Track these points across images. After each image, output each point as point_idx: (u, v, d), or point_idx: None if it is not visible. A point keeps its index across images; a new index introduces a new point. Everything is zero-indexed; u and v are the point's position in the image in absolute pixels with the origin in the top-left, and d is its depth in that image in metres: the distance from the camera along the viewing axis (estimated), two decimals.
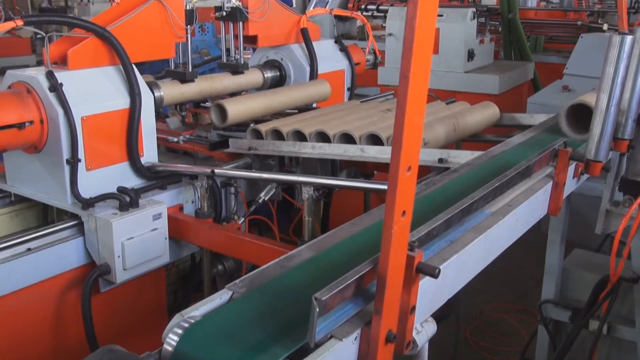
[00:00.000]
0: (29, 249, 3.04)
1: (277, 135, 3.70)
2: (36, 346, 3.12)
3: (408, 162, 1.32)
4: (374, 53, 5.49)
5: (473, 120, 3.81)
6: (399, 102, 1.27)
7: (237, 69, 4.36)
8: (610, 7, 8.94)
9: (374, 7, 8.87)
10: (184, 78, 3.97)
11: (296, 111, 4.38)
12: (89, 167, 3.25)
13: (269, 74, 4.67)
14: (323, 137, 3.56)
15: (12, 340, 3.02)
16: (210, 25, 8.44)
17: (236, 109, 3.89)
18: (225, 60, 4.43)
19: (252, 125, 3.83)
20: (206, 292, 3.72)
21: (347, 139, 3.52)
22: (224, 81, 4.27)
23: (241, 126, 4.05)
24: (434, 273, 1.48)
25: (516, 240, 2.34)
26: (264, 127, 3.73)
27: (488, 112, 4.01)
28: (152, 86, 3.68)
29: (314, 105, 4.61)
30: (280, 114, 4.35)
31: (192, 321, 1.47)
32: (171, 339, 1.43)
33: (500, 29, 8.50)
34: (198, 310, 1.53)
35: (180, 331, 1.44)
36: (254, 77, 4.54)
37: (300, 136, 3.62)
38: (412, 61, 1.24)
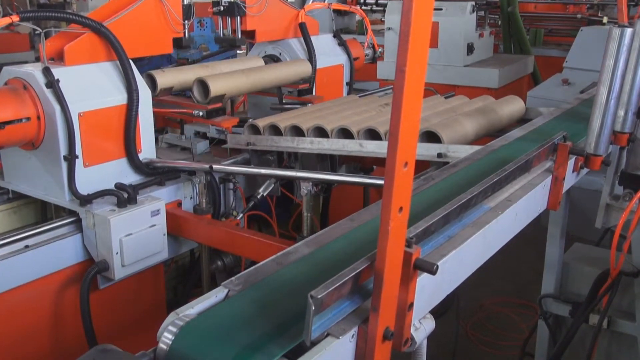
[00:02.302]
0: (26, 246, 3.03)
1: (275, 130, 3.68)
2: (35, 344, 3.12)
3: (405, 157, 1.30)
4: (373, 47, 5.47)
5: (503, 114, 3.79)
6: (395, 97, 1.25)
7: (234, 43, 4.32)
8: None
9: (372, 1, 8.84)
10: (180, 45, 3.91)
11: (297, 106, 4.36)
12: (86, 163, 3.24)
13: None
14: (321, 132, 3.55)
15: (11, 337, 3.02)
16: (209, 20, 8.39)
17: (218, 85, 3.82)
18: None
19: (250, 120, 3.81)
20: (205, 288, 3.71)
21: (345, 133, 3.50)
22: (222, 68, 4.23)
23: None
24: (432, 269, 1.46)
25: (516, 234, 2.33)
26: (261, 123, 3.72)
27: (516, 107, 3.98)
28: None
29: (313, 96, 4.59)
30: (277, 108, 4.32)
31: (187, 319, 1.46)
32: (166, 338, 1.42)
33: (499, 22, 8.47)
34: (193, 308, 1.52)
35: (175, 330, 1.43)
36: (253, 64, 4.50)
37: (298, 131, 3.61)
38: (408, 55, 1.22)
